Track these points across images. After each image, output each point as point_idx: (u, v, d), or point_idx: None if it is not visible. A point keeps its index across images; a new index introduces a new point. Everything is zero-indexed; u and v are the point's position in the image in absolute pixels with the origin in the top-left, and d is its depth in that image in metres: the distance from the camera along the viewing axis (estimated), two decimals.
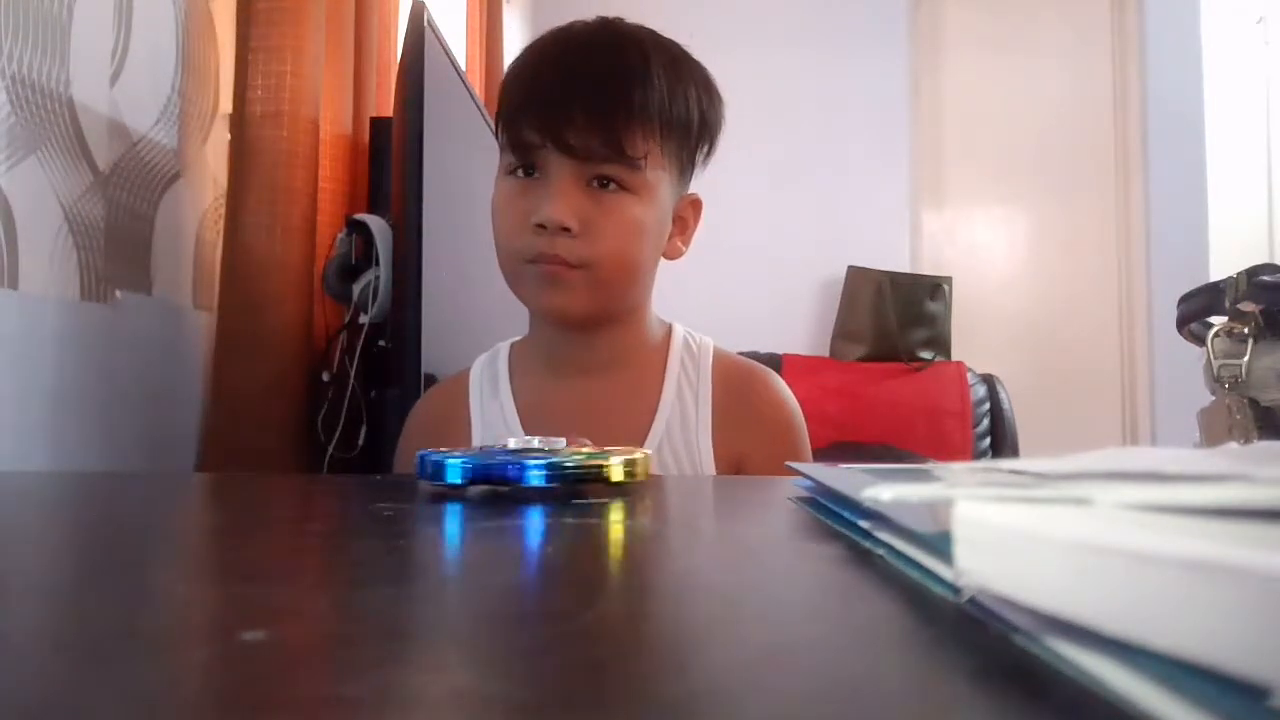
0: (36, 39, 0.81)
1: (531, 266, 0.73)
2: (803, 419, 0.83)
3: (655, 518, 0.37)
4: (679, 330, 0.84)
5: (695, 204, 0.82)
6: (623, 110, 0.72)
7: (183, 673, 0.15)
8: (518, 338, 0.86)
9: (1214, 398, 0.70)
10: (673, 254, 0.81)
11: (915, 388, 2.45)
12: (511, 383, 0.82)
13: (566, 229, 0.71)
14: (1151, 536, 0.13)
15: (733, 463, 0.79)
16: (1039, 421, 2.57)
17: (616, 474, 0.42)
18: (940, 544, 0.19)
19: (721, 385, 0.81)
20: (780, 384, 0.83)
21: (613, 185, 0.73)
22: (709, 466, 0.77)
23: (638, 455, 0.44)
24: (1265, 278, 0.68)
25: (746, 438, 0.79)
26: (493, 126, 0.81)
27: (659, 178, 0.75)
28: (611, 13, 0.79)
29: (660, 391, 0.79)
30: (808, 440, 0.83)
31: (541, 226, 0.71)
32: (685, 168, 0.79)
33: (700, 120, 0.77)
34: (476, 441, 0.80)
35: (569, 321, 0.76)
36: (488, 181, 0.83)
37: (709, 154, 0.80)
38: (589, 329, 0.77)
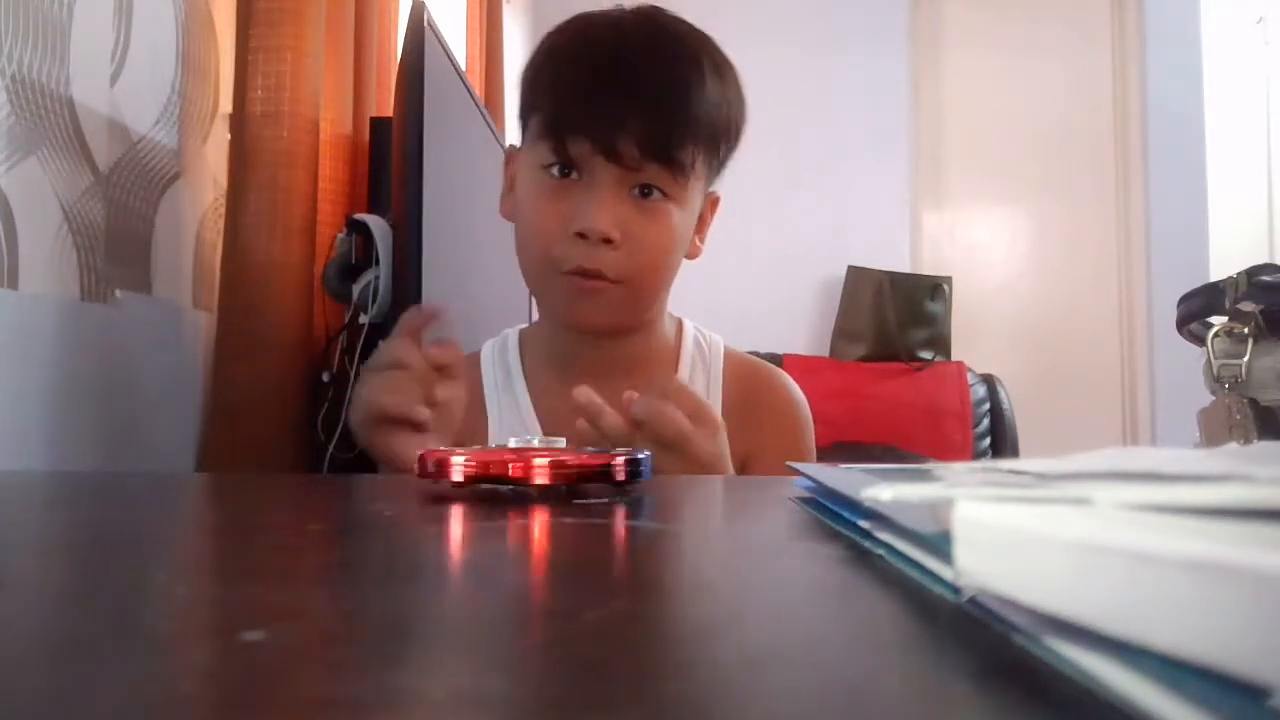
0: (36, 39, 0.81)
1: (565, 278, 0.71)
2: (810, 417, 0.83)
3: (655, 518, 0.37)
4: (689, 328, 0.84)
5: (715, 201, 0.81)
6: (679, 121, 0.69)
7: (183, 673, 0.15)
8: (524, 325, 0.86)
9: (1214, 398, 0.70)
10: (693, 254, 0.80)
11: (915, 388, 2.45)
12: (525, 379, 0.81)
13: (609, 240, 0.69)
14: (1151, 536, 0.13)
15: (740, 460, 0.79)
16: (1039, 421, 2.57)
17: (618, 474, 0.42)
18: (940, 544, 0.19)
19: (732, 384, 0.81)
20: (789, 382, 0.83)
21: (655, 193, 0.71)
22: None
23: (639, 455, 0.44)
24: (1265, 278, 0.68)
25: (755, 435, 0.79)
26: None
27: (697, 185, 0.74)
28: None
29: None
30: (813, 439, 0.83)
31: (581, 235, 0.69)
32: (714, 170, 0.77)
33: (736, 124, 0.75)
34: (494, 435, 0.80)
35: (599, 332, 0.75)
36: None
37: (733, 151, 0.78)
38: (611, 335, 0.77)
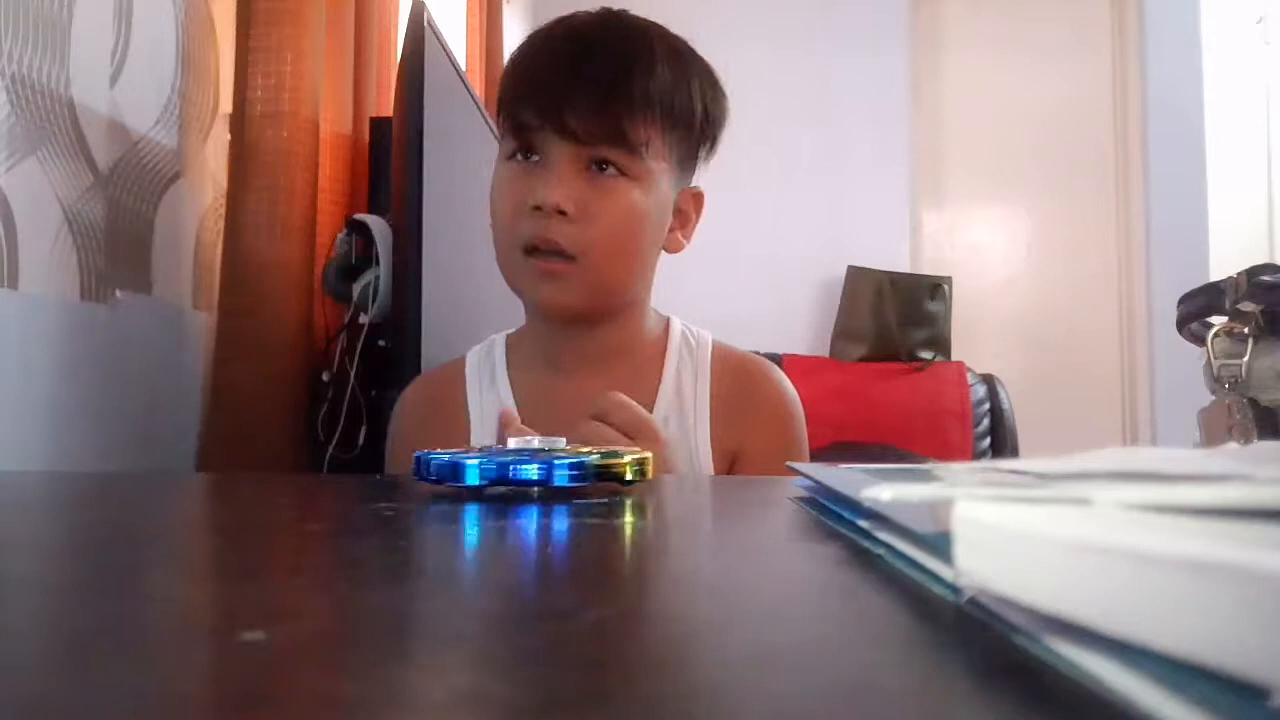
0: (36, 39, 0.81)
1: (528, 260, 0.73)
2: (801, 410, 0.83)
3: (655, 517, 0.37)
4: (677, 324, 0.84)
5: (697, 197, 0.82)
6: (623, 95, 0.71)
7: (183, 673, 0.15)
8: (512, 330, 0.86)
9: (1214, 398, 0.70)
10: (674, 247, 0.81)
11: (915, 388, 2.45)
12: (509, 376, 0.82)
13: (563, 212, 0.71)
14: (1151, 536, 0.13)
15: (730, 454, 0.79)
16: (1039, 421, 2.57)
17: (628, 474, 0.42)
18: (940, 544, 0.19)
19: (720, 377, 0.81)
20: (778, 374, 0.83)
21: (611, 170, 0.73)
22: (706, 460, 0.77)
23: (647, 455, 0.44)
24: (1265, 278, 0.68)
25: (745, 429, 0.79)
26: (493, 119, 0.81)
27: (660, 168, 0.75)
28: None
29: (659, 385, 0.79)
30: (805, 433, 0.83)
31: (538, 209, 0.71)
32: (687, 160, 0.79)
33: (704, 113, 0.77)
34: (475, 435, 0.80)
35: (565, 316, 0.76)
36: (488, 181, 0.83)
37: (712, 148, 0.80)
38: (587, 323, 0.77)
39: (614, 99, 0.71)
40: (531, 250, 0.72)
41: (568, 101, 0.71)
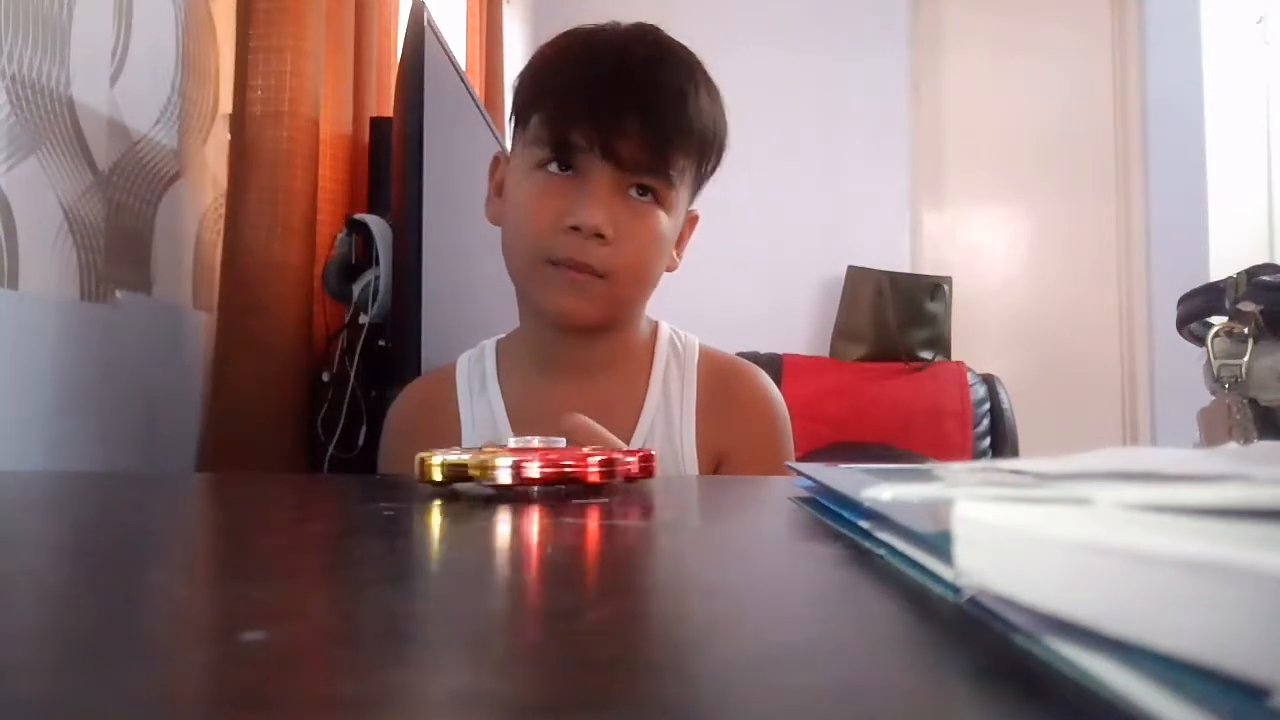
0: (36, 39, 0.81)
1: (555, 269, 0.73)
2: (786, 414, 0.83)
3: (655, 517, 0.37)
4: (665, 329, 0.85)
5: (693, 220, 0.83)
6: (675, 129, 0.72)
7: (183, 673, 0.15)
8: (502, 335, 0.86)
9: (1214, 398, 0.70)
10: (670, 267, 0.82)
11: (915, 388, 2.45)
12: (500, 382, 0.82)
13: (601, 235, 0.71)
14: (1151, 536, 0.13)
15: (714, 457, 0.79)
16: (1039, 421, 2.57)
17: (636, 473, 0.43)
18: (940, 544, 0.19)
19: (706, 382, 0.81)
20: (763, 379, 0.84)
21: (648, 195, 0.74)
22: (691, 464, 0.78)
23: (651, 453, 0.44)
24: (1265, 278, 0.68)
25: (729, 432, 0.80)
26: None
27: (683, 195, 0.77)
28: (613, 14, 0.79)
29: (646, 391, 0.80)
30: (790, 436, 0.83)
31: (575, 229, 0.71)
32: (697, 184, 0.80)
33: (721, 144, 0.78)
34: (467, 441, 0.80)
35: (581, 326, 0.76)
36: (487, 180, 0.83)
37: (714, 171, 0.81)
38: (589, 332, 0.77)
39: (664, 131, 0.72)
40: (559, 264, 0.73)
41: (619, 129, 0.70)
